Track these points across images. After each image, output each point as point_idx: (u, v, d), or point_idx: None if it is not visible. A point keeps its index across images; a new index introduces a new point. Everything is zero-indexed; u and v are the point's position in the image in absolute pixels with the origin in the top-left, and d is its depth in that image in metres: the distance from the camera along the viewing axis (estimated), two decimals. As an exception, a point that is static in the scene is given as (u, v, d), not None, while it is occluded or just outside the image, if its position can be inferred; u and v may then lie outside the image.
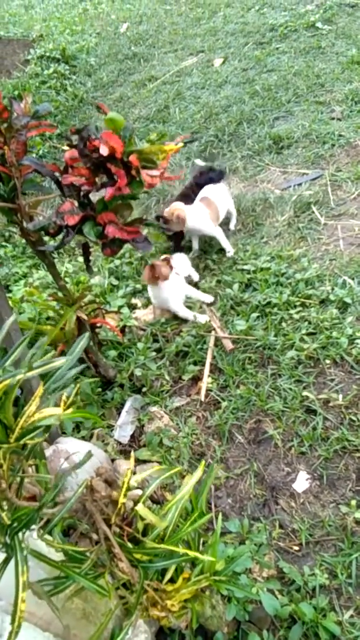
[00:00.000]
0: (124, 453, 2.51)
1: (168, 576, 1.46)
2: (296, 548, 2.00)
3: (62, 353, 2.54)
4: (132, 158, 1.80)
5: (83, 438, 2.44)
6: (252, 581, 1.86)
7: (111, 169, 1.82)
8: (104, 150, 1.69)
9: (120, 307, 3.16)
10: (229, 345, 2.77)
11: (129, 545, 1.31)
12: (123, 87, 6.13)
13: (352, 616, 1.79)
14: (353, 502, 2.03)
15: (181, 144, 1.90)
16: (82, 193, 1.95)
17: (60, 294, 2.38)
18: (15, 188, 1.94)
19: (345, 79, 4.72)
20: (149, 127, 5.08)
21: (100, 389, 2.70)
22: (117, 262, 3.58)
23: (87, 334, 1.52)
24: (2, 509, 1.01)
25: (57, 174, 1.92)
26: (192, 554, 1.32)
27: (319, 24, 5.70)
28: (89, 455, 1.31)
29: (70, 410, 1.25)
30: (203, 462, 1.66)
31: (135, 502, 1.33)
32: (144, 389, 2.72)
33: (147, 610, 1.38)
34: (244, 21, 6.40)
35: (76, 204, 1.92)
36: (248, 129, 4.51)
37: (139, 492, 1.68)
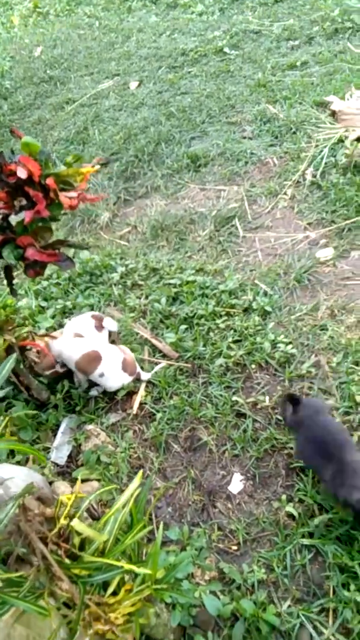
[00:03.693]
0: (62, 474, 2.49)
1: (110, 590, 1.48)
2: (235, 548, 2.08)
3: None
4: (50, 181, 1.84)
5: (18, 463, 2.40)
6: (194, 585, 1.90)
7: (29, 192, 1.85)
8: (22, 173, 1.72)
9: (50, 328, 3.14)
10: (172, 354, 2.83)
11: (67, 561, 1.32)
12: (41, 110, 6.12)
13: (289, 606, 1.88)
14: (283, 497, 2.15)
15: (97, 167, 1.96)
16: (1, 216, 1.95)
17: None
18: None
19: (254, 100, 5.01)
20: (69, 149, 5.11)
21: (34, 412, 2.67)
22: (45, 283, 3.56)
23: (13, 356, 1.52)
24: None
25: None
26: (128, 566, 1.35)
27: (226, 49, 6.02)
28: (30, 487, 1.31)
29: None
30: (141, 472, 1.70)
31: (71, 518, 1.34)
32: (78, 408, 2.72)
33: (91, 625, 1.38)
34: (157, 46, 6.62)
35: (-6, 227, 1.92)
36: (166, 149, 4.66)
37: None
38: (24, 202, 1.95)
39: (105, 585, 1.52)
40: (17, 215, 1.96)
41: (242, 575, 1.95)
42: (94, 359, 2.63)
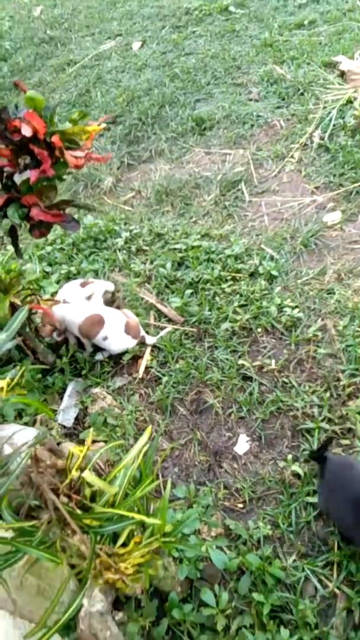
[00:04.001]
0: (69, 436, 2.52)
1: (120, 541, 1.51)
2: (240, 506, 2.12)
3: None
4: (55, 139, 1.79)
5: (26, 424, 2.42)
6: (201, 541, 1.94)
7: (34, 150, 1.80)
8: (26, 131, 1.67)
9: (54, 293, 3.12)
10: (178, 318, 2.83)
11: (78, 512, 1.34)
12: (41, 72, 5.96)
13: (294, 560, 1.93)
14: (289, 457, 2.17)
15: (104, 125, 1.91)
16: (4, 174, 1.91)
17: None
18: None
19: (260, 61, 4.86)
20: (71, 112, 4.98)
21: (40, 375, 2.68)
22: (49, 248, 3.53)
23: (25, 308, 1.52)
24: None
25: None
26: (139, 517, 1.37)
27: (232, 8, 5.81)
28: (42, 437, 1.32)
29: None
30: (150, 427, 1.71)
31: (82, 470, 1.36)
32: (84, 372, 2.73)
33: (101, 574, 1.42)
34: (160, 5, 6.39)
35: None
36: (171, 112, 4.55)
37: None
38: (28, 160, 1.91)
39: (115, 537, 1.56)
40: (22, 174, 1.92)
41: (248, 532, 1.99)
42: (97, 322, 2.63)
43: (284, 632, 1.69)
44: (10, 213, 1.80)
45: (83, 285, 2.90)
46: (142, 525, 1.68)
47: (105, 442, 2.40)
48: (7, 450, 1.75)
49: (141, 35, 5.98)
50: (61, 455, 1.37)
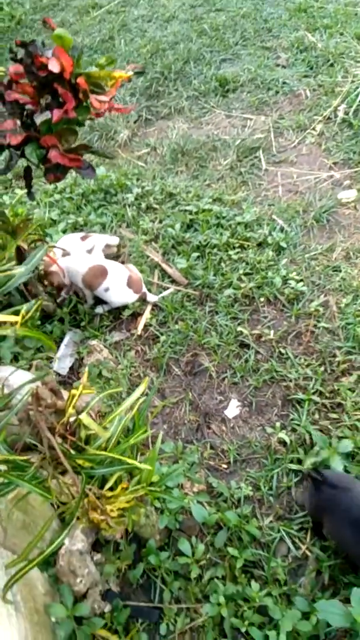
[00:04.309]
0: (63, 384, 2.55)
1: (108, 485, 1.56)
2: (225, 466, 2.17)
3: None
4: (81, 80, 1.75)
5: (21, 368, 2.45)
6: (183, 495, 2.01)
7: (58, 90, 1.76)
8: (54, 66, 1.63)
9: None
10: (182, 280, 2.83)
11: (73, 452, 1.38)
12: (65, 12, 5.73)
13: (271, 522, 2.00)
14: (277, 424, 2.22)
15: (131, 73, 1.85)
16: (25, 112, 1.87)
17: (-2, 221, 2.31)
18: None
19: (292, 26, 4.69)
20: (93, 58, 4.83)
21: (39, 322, 2.69)
22: (58, 196, 3.49)
23: (45, 246, 1.51)
24: None
25: (-1, 87, 1.82)
26: (132, 462, 1.41)
27: (269, -35, 5.55)
28: (45, 374, 1.34)
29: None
30: (147, 379, 1.74)
31: (79, 412, 1.39)
32: (84, 324, 2.75)
33: (88, 514, 1.47)
34: None
35: (19, 123, 1.84)
36: (195, 69, 4.41)
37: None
38: (50, 100, 1.86)
39: (103, 481, 1.60)
40: (42, 114, 1.88)
41: (230, 491, 2.05)
42: (100, 273, 2.64)
43: (255, 585, 1.77)
44: (29, 152, 1.77)
45: (83, 238, 2.89)
46: (130, 474, 1.73)
47: (99, 393, 2.45)
48: (6, 390, 1.78)
49: (172, -16, 5.73)
50: (61, 397, 1.40)
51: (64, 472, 1.46)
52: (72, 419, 1.36)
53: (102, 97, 1.81)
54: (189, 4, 5.31)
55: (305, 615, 1.69)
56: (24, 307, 1.30)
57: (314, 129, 3.65)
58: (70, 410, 1.33)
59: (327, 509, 1.79)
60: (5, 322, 1.48)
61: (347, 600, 1.61)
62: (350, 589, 1.59)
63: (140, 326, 2.71)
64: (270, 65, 4.29)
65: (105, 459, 1.39)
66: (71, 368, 2.62)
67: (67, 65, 1.70)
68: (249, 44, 4.61)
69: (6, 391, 1.79)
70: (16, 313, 1.50)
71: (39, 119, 1.89)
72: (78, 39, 5.20)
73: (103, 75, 1.84)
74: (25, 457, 1.34)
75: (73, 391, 1.41)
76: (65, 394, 2.19)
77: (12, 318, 1.15)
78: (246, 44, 4.61)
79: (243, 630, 1.71)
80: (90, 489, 1.43)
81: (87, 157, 2.23)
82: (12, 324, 1.30)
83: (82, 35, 5.27)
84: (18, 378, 2.16)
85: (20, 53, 1.77)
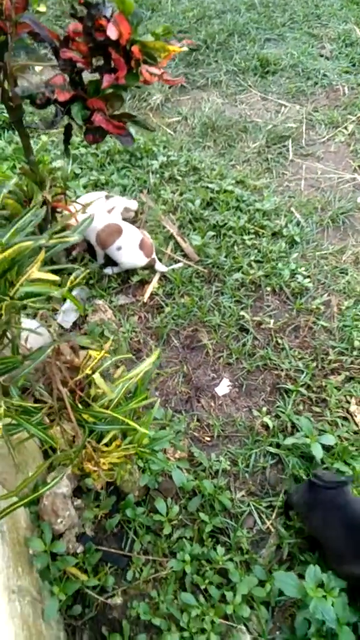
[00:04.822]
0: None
1: (104, 440, 1.67)
2: (208, 439, 2.31)
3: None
4: (135, 49, 1.76)
5: (27, 316, 2.53)
6: (166, 459, 2.14)
7: (111, 55, 1.78)
8: (112, 34, 1.65)
9: (79, 197, 3.13)
10: (194, 256, 2.90)
11: (80, 406, 1.48)
12: None
13: (243, 496, 2.15)
14: (264, 409, 2.35)
15: (185, 48, 1.87)
16: (75, 70, 1.89)
17: (29, 169, 2.34)
18: (6, 45, 1.84)
19: (342, 17, 4.63)
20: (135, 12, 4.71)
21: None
22: (83, 150, 3.49)
23: (90, 216, 1.59)
24: None
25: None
26: (132, 423, 1.52)
27: None
28: (70, 336, 1.43)
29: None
30: (159, 350, 1.83)
31: (93, 371, 1.49)
32: (92, 282, 2.82)
33: (82, 463, 1.58)
34: None
35: (68, 79, 1.87)
36: (238, 44, 4.36)
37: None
38: (101, 62, 1.88)
39: (100, 437, 1.72)
40: (91, 74, 1.90)
41: (209, 462, 2.19)
42: (115, 231, 2.71)
43: (220, 550, 1.92)
44: (74, 112, 1.81)
45: (107, 198, 2.92)
46: (124, 433, 1.85)
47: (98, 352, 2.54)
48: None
49: None
50: (78, 355, 1.49)
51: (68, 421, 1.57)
52: (87, 374, 1.46)
53: (154, 70, 1.83)
54: (243, -28, 5.17)
55: (261, 583, 1.86)
56: (74, 274, 1.38)
57: (345, 127, 3.67)
58: (87, 371, 1.42)
59: (317, 508, 1.85)
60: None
61: (300, 577, 1.78)
62: (305, 566, 1.76)
63: (147, 294, 2.79)
64: (314, 54, 4.25)
65: (107, 417, 1.50)
66: (74, 323, 2.70)
67: (124, 32, 1.72)
68: (296, 27, 4.55)
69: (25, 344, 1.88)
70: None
71: (86, 79, 1.91)
72: (124, -11, 5.05)
73: (158, 46, 1.85)
74: (35, 405, 1.44)
75: (93, 353, 1.50)
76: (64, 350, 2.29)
77: (54, 277, 1.23)
78: (293, 27, 4.54)
79: (202, 587, 1.87)
80: (89, 442, 1.54)
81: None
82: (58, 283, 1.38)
83: (129, -15, 5.12)
84: (25, 325, 2.25)
85: (81, 12, 1.78)
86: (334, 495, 1.81)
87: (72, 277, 1.41)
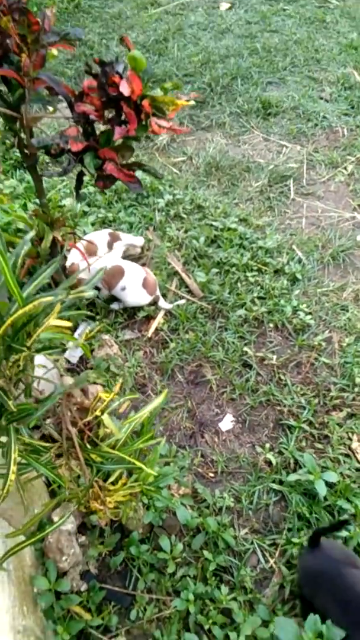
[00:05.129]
0: (71, 372, 2.70)
1: (111, 479, 1.71)
2: (212, 475, 2.33)
3: (30, 268, 2.63)
4: (145, 103, 1.87)
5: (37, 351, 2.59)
6: (170, 496, 2.16)
7: (123, 108, 1.89)
8: (125, 89, 1.76)
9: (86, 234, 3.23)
10: (198, 292, 2.98)
11: (88, 446, 1.53)
12: (123, 4, 5.83)
13: (246, 533, 2.16)
14: (267, 445, 2.38)
15: (192, 102, 1.98)
16: (88, 121, 2.00)
17: (41, 211, 2.44)
18: (23, 98, 1.96)
19: (341, 61, 4.83)
20: (145, 57, 4.93)
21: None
22: (91, 189, 3.61)
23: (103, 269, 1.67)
24: (10, 399, 1.18)
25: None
26: (139, 464, 1.56)
27: (329, -4, 5.69)
28: (85, 377, 1.49)
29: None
30: (166, 391, 1.88)
31: (102, 412, 1.54)
32: (98, 317, 2.89)
33: (89, 502, 1.62)
34: (259, -31, 6.21)
35: (81, 130, 1.98)
36: (241, 87, 4.54)
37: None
38: (112, 114, 1.99)
39: (107, 476, 1.76)
40: (103, 125, 2.01)
41: (213, 499, 2.21)
42: (118, 272, 2.79)
43: (224, 589, 1.93)
44: (87, 161, 1.90)
45: (111, 235, 3.00)
46: (129, 472, 1.88)
47: (104, 386, 2.59)
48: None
49: (232, -4, 5.85)
50: (88, 396, 1.55)
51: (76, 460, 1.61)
52: (95, 416, 1.51)
53: (163, 122, 1.94)
54: (246, 19, 5.43)
55: (265, 623, 1.85)
56: (89, 327, 1.45)
57: (345, 168, 3.80)
58: (97, 413, 1.48)
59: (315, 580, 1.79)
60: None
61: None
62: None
63: (152, 329, 2.86)
64: (314, 97, 4.43)
65: (114, 457, 1.54)
66: (81, 358, 2.76)
67: (136, 89, 1.83)
68: (297, 71, 4.74)
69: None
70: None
71: (98, 128, 2.03)
72: (132, 34, 5.31)
73: (167, 100, 1.96)
74: (45, 444, 1.48)
75: (102, 394, 1.55)
76: (92, 389, 2.34)
77: (68, 324, 1.30)
78: (294, 71, 4.74)
79: (206, 627, 1.87)
80: (96, 481, 1.58)
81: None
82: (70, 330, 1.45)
83: (137, 31, 5.38)
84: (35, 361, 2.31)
85: (96, 69, 1.90)
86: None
87: (87, 330, 1.47)
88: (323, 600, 1.72)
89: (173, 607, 1.92)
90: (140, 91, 1.82)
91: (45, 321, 1.22)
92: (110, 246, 2.99)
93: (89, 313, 2.11)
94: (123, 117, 1.94)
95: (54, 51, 2.10)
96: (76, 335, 2.82)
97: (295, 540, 2.07)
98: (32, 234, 1.61)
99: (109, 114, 1.97)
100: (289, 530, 2.14)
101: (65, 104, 2.01)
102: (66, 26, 5.41)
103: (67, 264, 2.85)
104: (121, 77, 1.85)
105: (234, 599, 1.94)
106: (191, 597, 1.92)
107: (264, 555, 2.09)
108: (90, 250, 2.89)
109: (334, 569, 1.73)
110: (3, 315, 1.34)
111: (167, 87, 1.96)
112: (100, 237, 2.98)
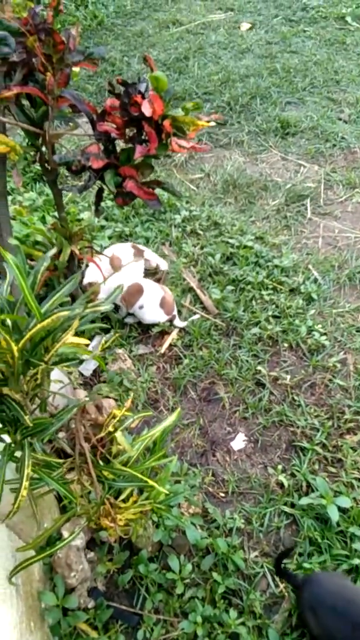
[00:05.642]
0: (84, 385, 2.71)
1: (122, 497, 1.70)
2: (222, 495, 2.31)
3: (47, 280, 2.66)
4: (166, 123, 1.90)
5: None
6: (180, 515, 2.15)
7: (144, 127, 1.92)
8: (147, 110, 1.79)
9: (105, 247, 3.26)
10: (213, 309, 2.98)
11: (100, 462, 1.53)
12: (145, 22, 5.94)
13: (256, 556, 2.13)
14: (279, 467, 2.35)
15: (213, 123, 2.01)
16: (109, 139, 2.03)
17: (59, 225, 2.47)
18: (47, 115, 2.00)
19: (361, 82, 4.87)
20: (166, 74, 5.01)
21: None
22: (109, 203, 3.65)
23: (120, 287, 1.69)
24: (26, 414, 1.19)
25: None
26: (151, 482, 1.55)
27: (348, 19, 5.74)
28: (97, 391, 1.50)
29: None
30: (179, 410, 1.88)
31: (115, 429, 1.54)
32: (113, 331, 2.90)
33: (99, 519, 1.61)
34: (280, -9, 6.32)
35: (102, 148, 2.01)
36: (260, 106, 4.59)
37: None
38: (133, 132, 2.02)
39: (118, 493, 1.75)
40: (124, 143, 2.04)
41: (223, 519, 2.18)
42: (137, 291, 2.80)
43: (232, 613, 1.90)
44: (108, 179, 1.93)
45: (135, 247, 3.02)
46: (140, 489, 1.88)
47: (116, 400, 2.59)
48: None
49: (253, 16, 5.94)
50: (102, 413, 1.55)
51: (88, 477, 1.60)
52: (109, 432, 1.51)
53: (183, 142, 1.96)
54: (266, 40, 5.50)
55: (274, 650, 1.82)
56: (105, 337, 1.45)
57: (363, 189, 3.80)
58: (110, 429, 1.48)
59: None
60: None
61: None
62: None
63: (166, 345, 2.86)
64: (332, 118, 4.45)
65: (126, 474, 1.53)
66: (94, 371, 2.77)
67: (158, 109, 1.86)
68: (316, 92, 4.78)
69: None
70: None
71: (119, 145, 2.06)
72: (154, 52, 5.40)
73: (188, 120, 1.99)
74: (57, 460, 1.48)
75: (115, 411, 1.55)
76: (105, 404, 2.34)
77: (85, 341, 1.31)
78: (313, 92, 4.78)
79: (214, 652, 1.84)
80: (108, 498, 1.58)
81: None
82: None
83: (159, 49, 5.47)
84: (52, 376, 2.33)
85: (118, 88, 1.93)
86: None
87: (103, 341, 1.48)
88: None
89: (180, 629, 1.90)
90: (162, 111, 1.85)
91: (64, 336, 1.23)
92: (136, 257, 3.00)
93: (104, 325, 2.11)
94: (144, 135, 1.97)
95: (77, 69, 2.15)
96: (90, 348, 2.83)
97: (306, 565, 2.04)
98: (53, 251, 1.63)
99: (130, 132, 2.00)
100: (300, 555, 2.10)
101: (85, 119, 2.05)
102: (89, 43, 5.53)
103: (85, 281, 2.85)
104: (143, 97, 1.88)
105: (243, 623, 1.91)
106: (199, 619, 1.89)
107: (274, 580, 2.06)
108: (115, 265, 2.89)
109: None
110: (22, 330, 1.35)
111: (188, 107, 1.98)
112: (124, 250, 3.00)
